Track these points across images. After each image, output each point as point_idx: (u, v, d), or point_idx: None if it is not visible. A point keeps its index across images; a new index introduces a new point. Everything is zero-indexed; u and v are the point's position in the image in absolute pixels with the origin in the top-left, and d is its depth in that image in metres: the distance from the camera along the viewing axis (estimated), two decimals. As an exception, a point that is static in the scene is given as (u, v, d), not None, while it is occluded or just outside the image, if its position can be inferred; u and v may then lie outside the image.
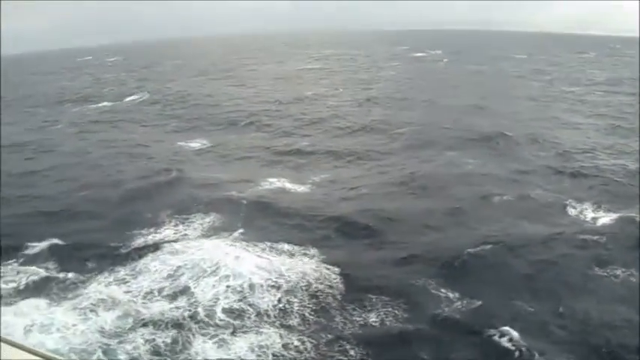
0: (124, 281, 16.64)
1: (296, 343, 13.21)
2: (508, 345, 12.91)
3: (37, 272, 17.46)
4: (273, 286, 15.76)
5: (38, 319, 14.31)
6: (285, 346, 13.07)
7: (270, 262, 17.27)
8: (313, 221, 21.01)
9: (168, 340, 13.33)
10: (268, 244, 18.74)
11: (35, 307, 15.03)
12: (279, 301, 15.07)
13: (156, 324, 14.03)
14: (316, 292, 15.53)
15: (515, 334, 13.14)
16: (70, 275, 17.11)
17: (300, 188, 25.14)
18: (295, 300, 15.12)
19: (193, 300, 15.20)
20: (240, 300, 15.14)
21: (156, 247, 18.88)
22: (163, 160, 31.39)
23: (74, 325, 14.07)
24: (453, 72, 74.12)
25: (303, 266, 17.01)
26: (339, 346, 13.03)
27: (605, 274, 16.33)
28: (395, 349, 13.09)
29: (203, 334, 13.63)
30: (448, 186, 24.63)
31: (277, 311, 14.58)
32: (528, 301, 14.83)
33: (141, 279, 16.68)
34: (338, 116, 41.70)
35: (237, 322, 14.08)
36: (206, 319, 14.25)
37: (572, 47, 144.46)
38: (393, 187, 25.10)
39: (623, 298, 14.92)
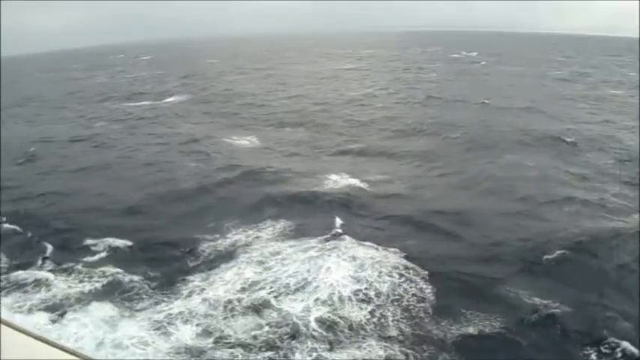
0: (197, 292, 15.71)
1: (400, 356, 12.59)
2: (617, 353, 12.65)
3: (102, 275, 17.00)
4: (362, 295, 15.08)
5: (110, 333, 13.56)
6: (389, 360, 12.48)
7: (354, 265, 16.74)
8: (387, 220, 20.83)
9: (261, 360, 12.67)
10: (348, 245, 18.20)
11: (104, 318, 14.30)
12: (371, 311, 14.30)
13: (243, 343, 13.13)
14: (407, 298, 14.96)
15: (625, 344, 12.83)
16: (137, 280, 16.50)
17: (364, 187, 24.85)
18: (387, 308, 14.44)
19: (279, 313, 14.28)
20: (330, 311, 14.25)
21: (227, 251, 18.28)
22: (219, 157, 31.44)
23: (153, 342, 13.24)
24: (495, 74, 73.17)
25: (387, 267, 16.60)
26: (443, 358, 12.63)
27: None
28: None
29: (300, 351, 12.77)
30: (514, 188, 24.18)
31: (372, 322, 13.82)
32: (620, 304, 14.67)
33: (215, 289, 15.71)
34: (388, 117, 41.57)
35: (331, 336, 13.25)
36: (299, 334, 13.38)
37: (604, 50, 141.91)
38: (457, 188, 24.85)
39: None
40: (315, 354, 12.60)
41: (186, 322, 14.03)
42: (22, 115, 54.37)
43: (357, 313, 14.16)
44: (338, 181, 25.49)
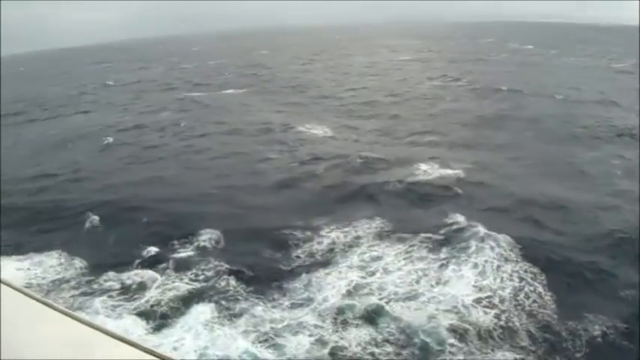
0: (299, 298, 14.82)
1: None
2: None
3: (195, 275, 16.54)
4: (484, 299, 14.31)
5: (214, 342, 12.96)
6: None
7: (469, 267, 16.05)
8: (489, 212, 20.46)
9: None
10: (459, 245, 17.47)
11: (204, 322, 13.79)
12: (497, 316, 13.56)
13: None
14: (529, 302, 14.27)
15: None
16: (232, 282, 15.83)
17: (459, 176, 24.55)
18: (512, 313, 13.72)
19: (398, 323, 13.31)
20: (456, 319, 13.41)
21: (324, 252, 17.53)
22: (297, 146, 31.75)
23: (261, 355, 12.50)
24: (559, 66, 71.52)
25: (500, 262, 16.21)
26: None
27: None
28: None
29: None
30: (606, 182, 23.82)
31: (500, 330, 13.10)
32: None
33: (319, 295, 14.75)
34: (461, 109, 41.32)
35: (462, 346, 12.53)
36: (429, 348, 12.51)
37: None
38: (547, 181, 24.36)
39: None
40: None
41: (295, 333, 13.16)
42: (87, 104, 56.89)
43: (484, 318, 13.51)
44: (429, 170, 25.37)
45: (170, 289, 15.67)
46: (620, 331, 13.07)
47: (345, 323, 13.46)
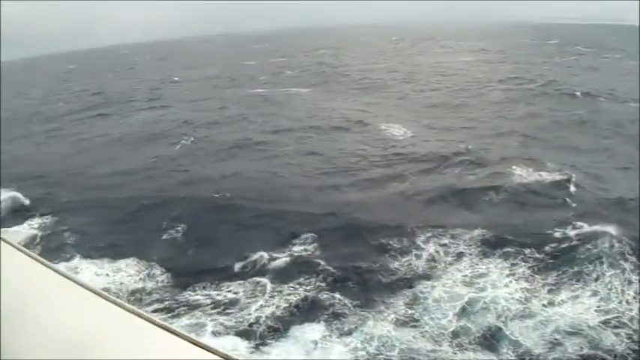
0: (406, 315, 13.92)
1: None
2: None
3: (294, 286, 15.77)
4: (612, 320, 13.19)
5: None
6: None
7: (587, 284, 14.92)
8: (600, 217, 19.11)
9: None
10: (573, 258, 16.31)
11: (314, 340, 13.17)
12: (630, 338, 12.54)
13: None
14: None
15: None
16: (337, 296, 15.05)
17: (551, 179, 23.57)
18: None
19: (518, 348, 12.54)
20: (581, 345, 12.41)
21: (424, 264, 16.63)
22: (383, 144, 31.42)
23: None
24: (625, 69, 67.91)
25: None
26: None
27: None
28: None
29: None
30: None
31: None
32: None
33: (426, 314, 13.90)
34: (538, 112, 39.88)
35: None
36: None
37: None
38: None
39: None
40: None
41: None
42: (160, 99, 58.08)
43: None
44: (524, 174, 24.39)
45: (268, 305, 14.80)
46: None
47: (460, 347, 12.68)
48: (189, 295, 15.59)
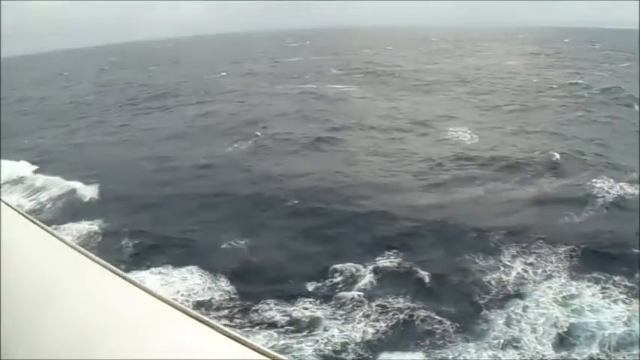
0: (504, 336, 12.95)
1: None
2: None
3: (379, 300, 14.64)
4: None
5: None
6: None
7: None
8: None
9: None
10: None
11: None
12: None
13: None
14: None
15: None
16: (434, 316, 13.87)
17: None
18: None
19: None
20: None
21: (514, 282, 15.39)
22: (443, 147, 30.79)
23: None
24: None
25: None
26: None
27: None
28: None
29: None
30: None
31: None
32: None
33: (525, 336, 12.86)
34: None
35: None
36: None
37: None
38: None
39: None
40: None
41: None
42: (214, 94, 58.09)
43: None
44: (605, 187, 22.86)
45: (356, 328, 13.43)
46: None
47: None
48: (262, 311, 14.26)
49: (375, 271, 16.33)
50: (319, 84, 60.99)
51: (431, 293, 15.19)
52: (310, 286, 15.59)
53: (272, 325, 13.63)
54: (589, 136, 32.89)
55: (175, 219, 21.78)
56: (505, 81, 58.70)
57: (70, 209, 23.91)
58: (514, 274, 15.89)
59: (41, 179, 28.32)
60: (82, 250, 3.76)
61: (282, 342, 12.84)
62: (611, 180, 23.81)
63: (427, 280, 15.79)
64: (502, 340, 12.77)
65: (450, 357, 12.39)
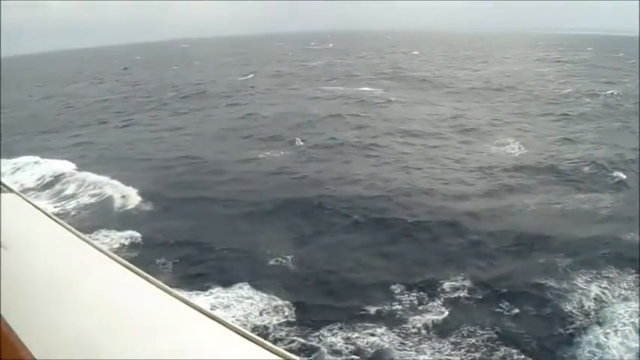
0: None
1: None
2: None
3: (452, 336, 13.41)
4: None
5: None
6: None
7: None
8: None
9: None
10: None
11: None
12: None
13: None
14: None
15: None
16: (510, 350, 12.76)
17: None
18: None
19: None
20: None
21: (594, 307, 14.48)
22: (498, 156, 29.87)
23: None
24: None
25: None
26: None
27: None
28: None
29: None
30: None
31: None
32: None
33: None
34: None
35: None
36: None
37: None
38: None
39: None
40: None
41: None
42: (246, 95, 58.00)
43: None
44: None
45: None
46: None
47: None
48: (323, 337, 13.27)
49: (446, 291, 15.45)
50: (349, 87, 60.61)
51: (509, 322, 14.03)
52: (373, 309, 14.42)
53: (336, 352, 12.75)
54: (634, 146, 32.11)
55: (218, 228, 20.93)
56: (539, 89, 57.86)
57: (107, 214, 23.13)
58: (592, 295, 15.03)
59: (80, 178, 28.02)
60: (98, 245, 3.84)
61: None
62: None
63: (505, 306, 14.76)
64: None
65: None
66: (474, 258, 17.78)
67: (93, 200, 25.17)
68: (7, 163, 31.47)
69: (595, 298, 14.82)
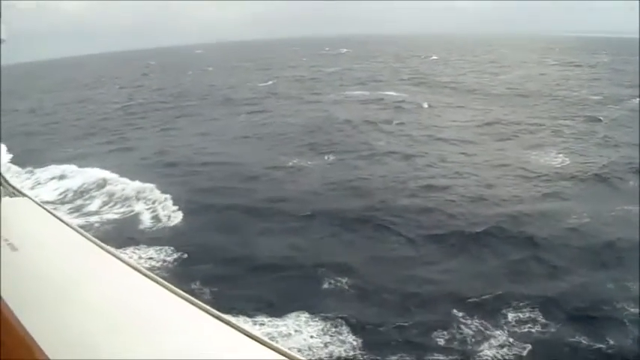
0: None
1: None
2: None
3: None
4: None
5: None
6: None
7: None
8: None
9: None
10: None
11: None
12: None
13: None
14: None
15: None
16: None
17: None
18: None
19: None
20: None
21: None
22: (541, 167, 28.80)
23: None
24: None
25: None
26: None
27: None
28: None
29: None
30: None
31: None
32: None
33: None
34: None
35: None
36: None
37: None
38: None
39: None
40: None
41: None
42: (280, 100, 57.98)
43: None
44: None
45: None
46: None
47: None
48: None
49: (513, 311, 14.44)
50: (374, 91, 60.60)
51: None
52: (440, 339, 13.45)
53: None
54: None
55: (258, 241, 20.13)
56: (567, 93, 57.31)
57: (141, 227, 22.64)
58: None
59: (115, 187, 27.84)
60: (104, 245, 3.87)
61: None
62: None
63: (582, 332, 13.65)
64: None
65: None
66: (538, 271, 17.32)
67: (127, 210, 24.92)
68: (42, 172, 31.62)
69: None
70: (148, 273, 3.73)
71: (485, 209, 22.87)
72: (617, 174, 27.36)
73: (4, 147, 42.30)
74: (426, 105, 49.43)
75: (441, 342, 13.36)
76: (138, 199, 25.96)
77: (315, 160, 31.44)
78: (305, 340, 13.48)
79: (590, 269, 17.33)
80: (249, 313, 14.52)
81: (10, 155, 36.03)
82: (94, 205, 25.96)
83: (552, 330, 13.77)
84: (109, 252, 4.08)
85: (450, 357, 12.68)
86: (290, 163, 31.05)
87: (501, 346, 13.08)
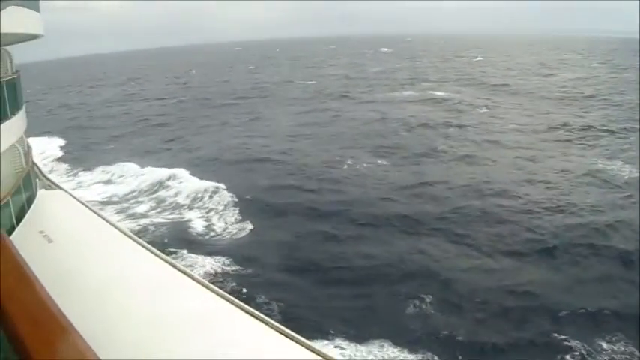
0: None
1: None
2: None
3: None
4: None
5: None
6: None
7: None
8: None
9: None
10: None
11: None
12: None
13: None
14: None
15: None
16: None
17: None
18: None
19: None
20: None
21: None
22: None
23: None
24: None
25: None
26: None
27: None
28: None
29: None
30: None
31: None
32: None
33: None
34: None
35: None
36: None
37: None
38: None
39: None
40: None
41: None
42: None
43: None
44: None
45: None
46: None
47: None
48: None
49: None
50: (423, 92, 59.71)
51: None
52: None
53: None
54: None
55: (324, 249, 19.46)
56: (620, 97, 55.45)
57: (203, 230, 22.26)
58: None
59: (182, 185, 28.05)
60: (142, 242, 3.74)
61: None
62: None
63: None
64: None
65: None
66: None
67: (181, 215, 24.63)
68: (109, 170, 32.21)
69: None
70: (184, 269, 3.76)
71: (563, 219, 22.13)
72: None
73: (61, 141, 43.49)
74: (485, 109, 48.20)
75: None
76: (203, 199, 26.00)
77: (377, 163, 31.00)
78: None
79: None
80: (324, 333, 13.68)
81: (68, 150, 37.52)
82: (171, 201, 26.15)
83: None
84: (147, 248, 4.10)
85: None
86: (351, 163, 30.76)
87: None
